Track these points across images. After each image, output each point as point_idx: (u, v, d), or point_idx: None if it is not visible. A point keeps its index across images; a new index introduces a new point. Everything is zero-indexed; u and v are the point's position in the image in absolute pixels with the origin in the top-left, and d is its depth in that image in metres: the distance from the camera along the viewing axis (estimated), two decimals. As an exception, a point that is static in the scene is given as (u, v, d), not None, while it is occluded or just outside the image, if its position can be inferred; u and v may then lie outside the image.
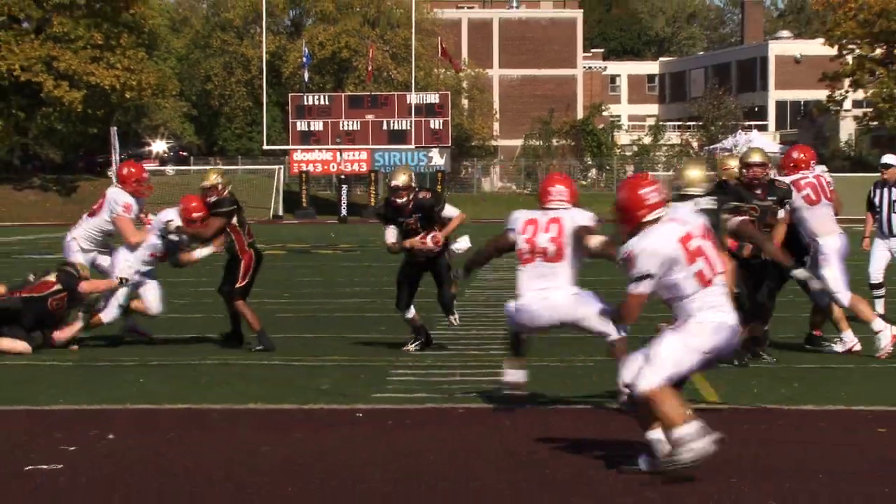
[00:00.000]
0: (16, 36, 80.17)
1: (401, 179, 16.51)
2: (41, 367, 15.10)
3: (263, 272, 17.84)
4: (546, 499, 8.59)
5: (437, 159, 78.06)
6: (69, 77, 79.51)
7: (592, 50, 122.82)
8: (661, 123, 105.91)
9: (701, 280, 9.38)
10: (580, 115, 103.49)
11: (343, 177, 77.67)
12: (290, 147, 78.72)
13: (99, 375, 14.36)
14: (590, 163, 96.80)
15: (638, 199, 9.55)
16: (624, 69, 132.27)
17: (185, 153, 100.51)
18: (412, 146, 77.51)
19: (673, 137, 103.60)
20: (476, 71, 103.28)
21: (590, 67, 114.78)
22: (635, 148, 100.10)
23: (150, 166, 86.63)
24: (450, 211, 16.68)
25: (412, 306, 16.38)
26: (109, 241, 17.84)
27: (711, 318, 9.38)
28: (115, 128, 78.31)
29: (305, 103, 78.76)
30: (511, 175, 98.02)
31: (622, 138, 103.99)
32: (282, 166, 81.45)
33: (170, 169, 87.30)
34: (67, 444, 10.36)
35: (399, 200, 16.33)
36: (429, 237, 16.25)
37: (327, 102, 78.88)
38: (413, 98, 79.06)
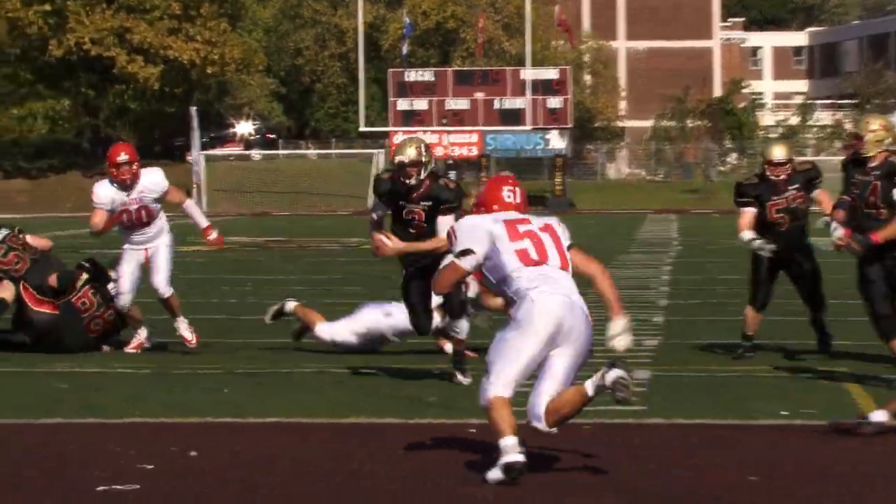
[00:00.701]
0: (85, 6, 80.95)
1: (408, 153, 14.43)
2: (111, 375, 15.20)
3: (356, 271, 17.89)
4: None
5: (556, 142, 77.73)
6: (144, 51, 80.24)
7: (731, 19, 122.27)
8: (809, 102, 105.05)
9: (524, 259, 10.07)
10: (717, 92, 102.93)
11: (450, 162, 77.63)
12: (390, 129, 78.72)
13: (178, 384, 14.44)
14: (729, 146, 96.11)
15: (496, 196, 10.57)
16: (767, 41, 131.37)
17: (272, 136, 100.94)
18: (528, 127, 77.30)
19: (824, 117, 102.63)
20: (599, 43, 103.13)
21: (728, 39, 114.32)
22: (781, 130, 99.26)
23: (233, 150, 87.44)
24: (444, 225, 14.04)
25: (436, 322, 15.23)
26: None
27: (536, 297, 9.92)
28: (195, 108, 78.80)
29: (407, 80, 78.77)
30: (640, 160, 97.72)
31: (765, 118, 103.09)
32: (381, 150, 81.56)
33: (256, 153, 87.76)
34: (144, 461, 10.39)
35: (408, 181, 14.40)
36: (381, 235, 14.24)
37: (432, 78, 78.83)
38: (528, 74, 78.84)
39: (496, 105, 77.40)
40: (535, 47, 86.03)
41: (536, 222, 10.45)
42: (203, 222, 17.71)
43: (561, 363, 9.96)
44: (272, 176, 79.18)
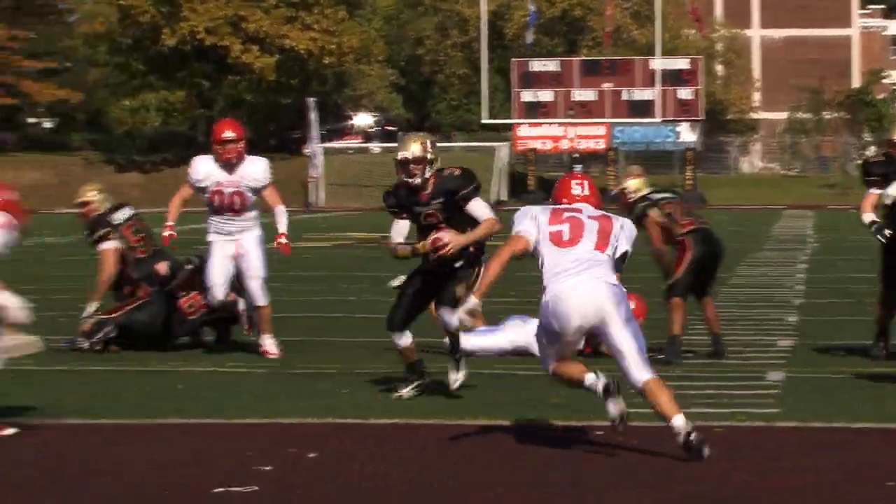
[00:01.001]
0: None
1: (412, 149, 14.15)
2: (229, 375, 15.30)
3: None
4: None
5: (687, 135, 77.35)
6: (259, 40, 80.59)
7: (870, 6, 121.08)
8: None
9: (556, 240, 11.08)
10: (856, 83, 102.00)
11: (576, 155, 77.54)
12: (515, 121, 78.65)
13: (296, 384, 14.51)
14: (868, 139, 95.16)
15: (565, 191, 11.61)
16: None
17: (392, 128, 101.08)
18: (657, 119, 76.97)
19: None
20: (732, 32, 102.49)
21: (867, 27, 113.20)
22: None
23: (352, 143, 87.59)
24: (480, 209, 13.95)
25: (408, 331, 14.06)
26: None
27: (554, 287, 10.96)
28: (313, 99, 79.12)
29: (532, 70, 78.64)
30: (774, 154, 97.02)
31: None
32: (504, 143, 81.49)
33: (375, 146, 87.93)
34: (262, 463, 10.47)
35: (412, 180, 14.10)
36: (431, 237, 13.77)
37: (557, 69, 78.65)
38: (658, 64, 78.50)
39: (624, 96, 77.11)
40: (665, 36, 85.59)
41: (590, 212, 11.32)
42: (282, 228, 17.14)
43: (614, 339, 10.90)
44: (392, 170, 79.12)
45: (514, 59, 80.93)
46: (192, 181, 16.95)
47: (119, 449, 11.25)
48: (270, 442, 11.28)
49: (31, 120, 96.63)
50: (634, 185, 16.65)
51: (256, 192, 16.97)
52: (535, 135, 77.59)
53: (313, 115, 76.89)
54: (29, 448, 11.30)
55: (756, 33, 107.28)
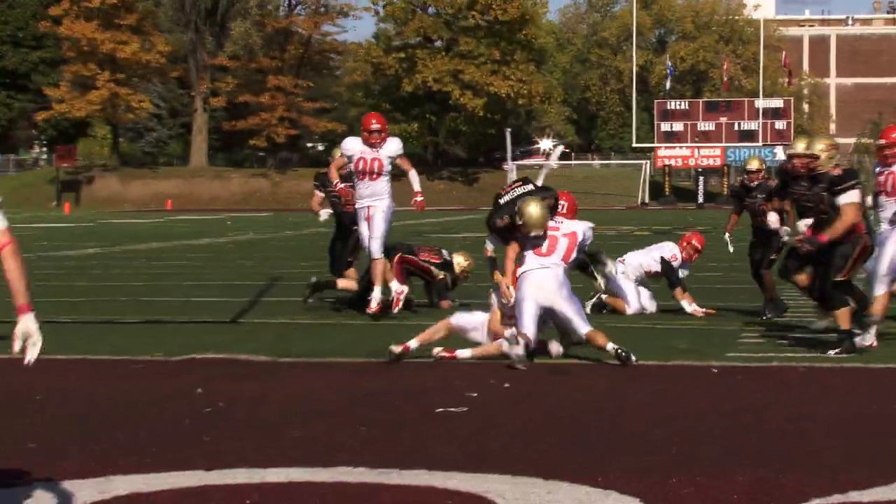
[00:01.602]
0: (429, 54, 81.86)
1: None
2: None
3: (626, 249, 17.61)
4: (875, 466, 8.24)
5: (781, 155, 76.58)
6: (472, 87, 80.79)
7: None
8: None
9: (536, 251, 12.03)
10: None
11: (700, 169, 76.92)
12: (656, 145, 78.30)
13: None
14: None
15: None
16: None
17: (567, 150, 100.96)
18: (759, 143, 76.20)
19: None
20: (815, 80, 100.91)
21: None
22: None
23: (537, 161, 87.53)
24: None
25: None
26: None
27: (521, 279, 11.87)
28: (509, 129, 79.13)
29: (669, 108, 78.27)
30: (845, 168, 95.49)
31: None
32: (648, 161, 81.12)
33: (553, 163, 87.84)
34: (471, 390, 10.44)
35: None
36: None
37: (687, 107, 78.22)
38: (760, 103, 77.77)
39: (735, 127, 76.44)
40: (766, 83, 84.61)
41: (563, 229, 12.25)
42: (416, 187, 16.21)
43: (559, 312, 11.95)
44: (566, 180, 79.09)
45: (656, 101, 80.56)
46: (344, 152, 16.10)
47: (375, 380, 11.29)
48: (477, 375, 11.25)
49: (309, 144, 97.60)
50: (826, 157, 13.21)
51: (392, 159, 16.07)
52: (671, 155, 77.13)
53: (509, 141, 76.85)
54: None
55: (833, 81, 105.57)
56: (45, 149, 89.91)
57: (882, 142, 13.73)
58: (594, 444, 8.30)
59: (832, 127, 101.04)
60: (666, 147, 76.87)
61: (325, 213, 17.17)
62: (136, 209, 75.25)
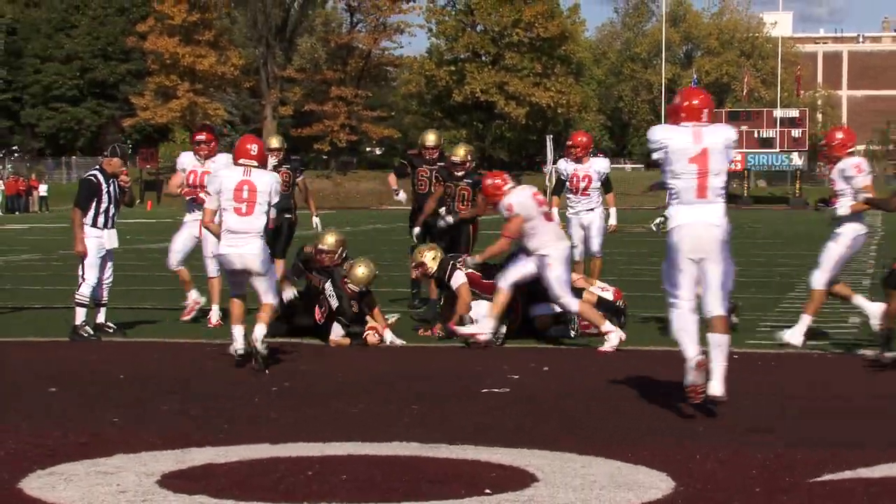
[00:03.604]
0: (477, 67, 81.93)
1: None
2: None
3: (655, 245, 17.40)
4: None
5: (797, 161, 76.24)
6: (516, 97, 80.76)
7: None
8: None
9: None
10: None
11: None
12: (682, 150, 78.21)
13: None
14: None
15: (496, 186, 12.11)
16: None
17: (601, 154, 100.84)
18: (776, 150, 75.74)
19: None
20: (828, 92, 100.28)
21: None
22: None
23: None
24: None
25: None
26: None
27: None
28: (550, 135, 79.05)
29: (694, 117, 78.17)
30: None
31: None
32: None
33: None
34: (513, 373, 10.41)
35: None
36: None
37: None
38: (778, 113, 77.26)
39: (755, 135, 75.95)
40: (783, 95, 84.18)
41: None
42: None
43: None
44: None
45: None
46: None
47: (426, 365, 11.28)
48: (519, 359, 11.22)
49: (368, 149, 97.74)
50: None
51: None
52: (695, 159, 76.91)
53: (550, 147, 76.72)
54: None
55: (845, 93, 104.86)
56: (130, 152, 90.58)
57: (570, 142, 15.20)
58: (625, 422, 8.26)
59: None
60: (691, 153, 76.91)
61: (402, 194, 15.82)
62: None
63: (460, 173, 14.54)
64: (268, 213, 11.04)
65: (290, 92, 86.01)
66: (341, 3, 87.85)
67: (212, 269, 13.80)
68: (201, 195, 13.14)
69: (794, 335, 12.02)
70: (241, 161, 11.12)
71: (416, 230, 14.81)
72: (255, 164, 11.10)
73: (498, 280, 12.08)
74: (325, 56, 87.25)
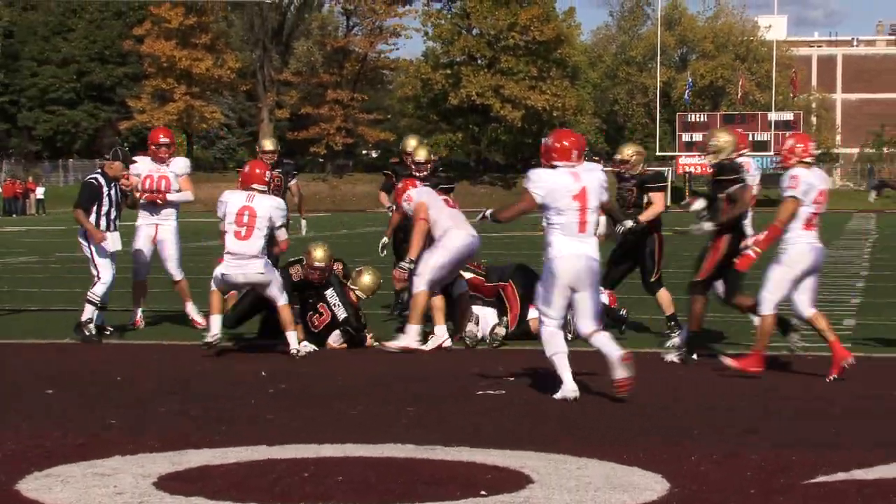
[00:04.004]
0: (473, 70, 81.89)
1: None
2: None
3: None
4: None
5: (792, 163, 76.54)
6: (511, 101, 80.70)
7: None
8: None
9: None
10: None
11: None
12: (677, 153, 77.95)
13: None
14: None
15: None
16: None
17: (597, 158, 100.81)
18: (771, 153, 75.76)
19: None
20: (822, 95, 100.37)
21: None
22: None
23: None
24: None
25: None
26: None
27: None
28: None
29: (689, 120, 77.91)
30: (849, 175, 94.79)
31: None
32: (670, 168, 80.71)
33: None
34: (509, 375, 10.40)
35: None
36: None
37: (706, 119, 77.76)
38: (772, 116, 77.28)
39: (750, 137, 75.73)
40: (778, 98, 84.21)
41: None
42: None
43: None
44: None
45: (678, 113, 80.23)
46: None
47: (423, 367, 11.28)
48: (516, 362, 11.21)
49: (364, 152, 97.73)
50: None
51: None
52: (691, 162, 76.76)
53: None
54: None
55: (839, 96, 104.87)
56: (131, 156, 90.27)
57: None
58: (621, 424, 8.27)
59: (838, 138, 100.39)
60: (686, 155, 76.49)
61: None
62: (207, 209, 75.67)
63: (423, 174, 14.31)
64: (271, 235, 11.75)
65: (287, 95, 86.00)
66: (338, 7, 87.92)
67: (176, 272, 13.91)
68: (159, 199, 13.74)
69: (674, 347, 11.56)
70: (254, 187, 11.78)
71: (384, 240, 13.94)
72: (264, 188, 11.85)
73: (415, 284, 11.98)
74: (322, 59, 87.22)
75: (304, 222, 15.56)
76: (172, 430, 8.01)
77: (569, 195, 9.11)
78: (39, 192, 69.64)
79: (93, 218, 12.84)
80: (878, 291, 18.56)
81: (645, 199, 12.99)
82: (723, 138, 11.69)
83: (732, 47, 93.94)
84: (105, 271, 12.77)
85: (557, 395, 9.17)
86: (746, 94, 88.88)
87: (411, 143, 15.09)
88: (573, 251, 9.13)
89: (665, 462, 6.95)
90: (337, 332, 12.12)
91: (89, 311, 12.65)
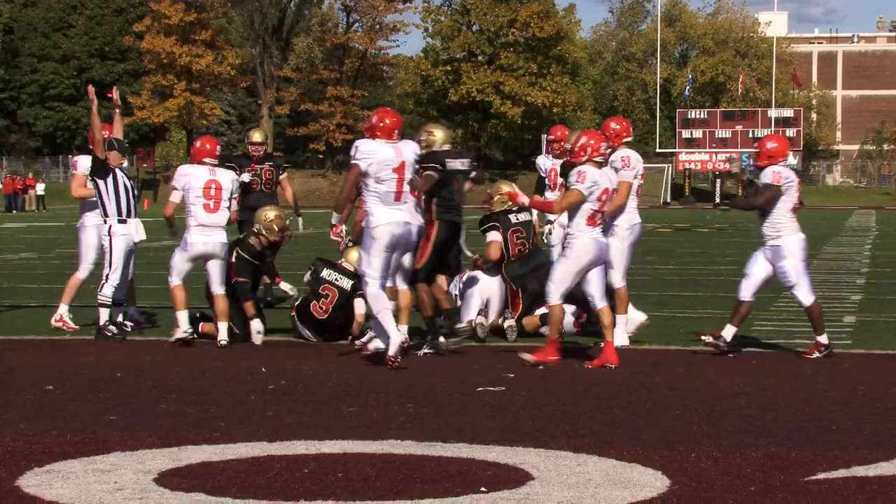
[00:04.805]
0: (473, 67, 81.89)
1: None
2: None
3: (650, 244, 17.43)
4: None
5: (791, 160, 76.06)
6: (511, 97, 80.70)
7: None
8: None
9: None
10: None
11: (717, 173, 76.54)
12: (677, 150, 77.87)
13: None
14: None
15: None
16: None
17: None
18: (771, 150, 76.05)
19: None
20: (823, 92, 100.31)
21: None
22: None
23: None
24: None
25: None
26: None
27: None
28: (545, 135, 79.06)
29: (689, 116, 77.86)
30: (850, 172, 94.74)
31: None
32: (670, 164, 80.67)
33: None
34: (509, 371, 10.41)
35: None
36: None
37: (706, 116, 77.78)
38: (773, 113, 77.23)
39: (750, 134, 75.89)
40: (778, 95, 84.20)
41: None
42: None
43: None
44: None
45: (678, 110, 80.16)
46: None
47: (423, 364, 11.28)
48: (514, 359, 11.18)
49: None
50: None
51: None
52: (690, 159, 76.80)
53: (545, 144, 76.76)
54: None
55: (839, 93, 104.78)
56: (127, 145, 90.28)
57: (551, 137, 14.12)
58: (620, 421, 8.27)
59: (838, 135, 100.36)
60: (686, 152, 76.46)
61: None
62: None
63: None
64: (229, 207, 12.28)
65: (287, 91, 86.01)
66: (337, 3, 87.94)
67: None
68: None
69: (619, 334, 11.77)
70: (206, 160, 12.26)
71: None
72: (216, 162, 12.35)
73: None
74: (322, 56, 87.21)
75: (300, 219, 15.52)
76: (172, 426, 8.02)
77: (389, 167, 10.53)
78: (40, 188, 69.67)
79: (113, 209, 12.80)
80: (878, 288, 18.54)
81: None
82: (437, 133, 11.89)
83: (733, 44, 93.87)
84: (115, 273, 12.67)
85: (391, 352, 10.35)
86: (747, 90, 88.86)
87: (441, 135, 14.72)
88: (392, 218, 10.56)
89: (665, 459, 6.95)
90: (359, 300, 12.04)
91: (105, 314, 12.56)
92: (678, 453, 7.13)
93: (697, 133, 76.75)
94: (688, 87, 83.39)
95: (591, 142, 10.88)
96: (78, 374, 10.38)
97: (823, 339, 11.24)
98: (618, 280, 11.87)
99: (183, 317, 12.05)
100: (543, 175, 14.21)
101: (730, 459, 6.98)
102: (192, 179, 12.19)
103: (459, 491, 6.21)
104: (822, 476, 6.57)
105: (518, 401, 9.07)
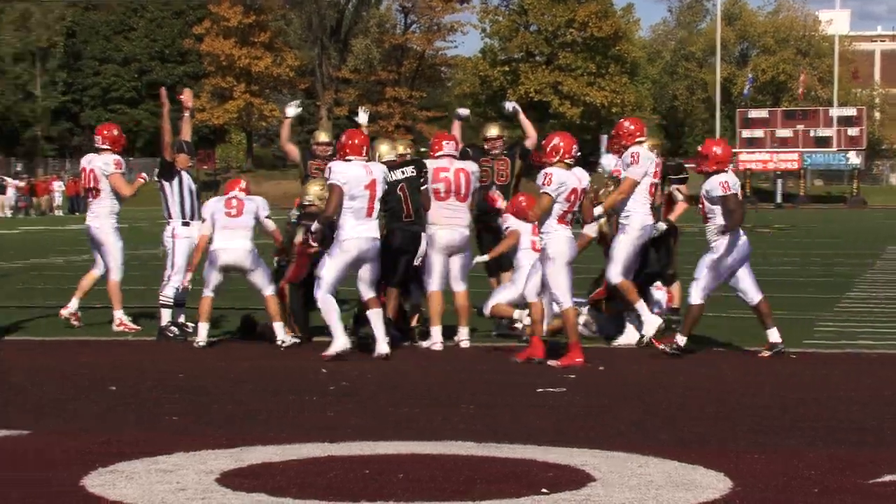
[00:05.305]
0: (531, 67, 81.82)
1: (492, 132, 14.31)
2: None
3: (704, 244, 17.24)
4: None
5: (854, 159, 75.40)
6: (570, 97, 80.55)
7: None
8: None
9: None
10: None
11: (778, 172, 76.01)
12: (738, 150, 77.22)
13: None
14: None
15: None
16: None
17: (664, 157, 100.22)
18: (834, 149, 75.03)
19: None
20: (886, 90, 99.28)
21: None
22: None
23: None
24: None
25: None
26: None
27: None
28: (605, 135, 78.76)
29: (750, 116, 77.39)
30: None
31: None
32: (731, 164, 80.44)
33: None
34: (569, 373, 10.38)
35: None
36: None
37: (767, 115, 77.31)
38: (835, 112, 76.55)
39: (811, 133, 75.39)
40: (840, 94, 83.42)
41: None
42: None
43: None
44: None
45: (738, 109, 79.64)
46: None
47: (482, 365, 11.28)
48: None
49: (423, 149, 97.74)
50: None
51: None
52: (751, 159, 76.23)
53: (604, 145, 76.52)
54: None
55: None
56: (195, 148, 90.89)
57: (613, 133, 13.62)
58: (682, 422, 8.23)
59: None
60: (747, 152, 75.94)
61: None
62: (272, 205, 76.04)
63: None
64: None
65: (345, 93, 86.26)
66: (395, 4, 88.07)
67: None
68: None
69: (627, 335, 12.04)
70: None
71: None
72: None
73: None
74: (380, 57, 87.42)
75: None
76: (233, 426, 8.07)
77: (361, 185, 11.09)
78: (102, 190, 70.29)
79: (177, 211, 12.92)
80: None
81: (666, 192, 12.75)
82: (380, 147, 12.52)
83: (794, 42, 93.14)
84: (178, 275, 12.75)
85: (329, 352, 11.08)
86: (809, 89, 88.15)
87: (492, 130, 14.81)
88: (360, 233, 11.14)
89: (727, 460, 6.91)
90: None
91: (166, 315, 12.65)
92: (741, 455, 7.09)
93: (758, 133, 76.24)
94: (748, 86, 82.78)
95: (563, 143, 11.17)
96: (140, 374, 10.46)
97: (681, 339, 11.19)
98: (615, 275, 11.80)
99: (203, 329, 12.04)
100: (606, 176, 13.63)
101: (793, 462, 6.93)
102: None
103: (520, 492, 6.20)
104: (888, 478, 6.51)
105: (578, 401, 9.07)
